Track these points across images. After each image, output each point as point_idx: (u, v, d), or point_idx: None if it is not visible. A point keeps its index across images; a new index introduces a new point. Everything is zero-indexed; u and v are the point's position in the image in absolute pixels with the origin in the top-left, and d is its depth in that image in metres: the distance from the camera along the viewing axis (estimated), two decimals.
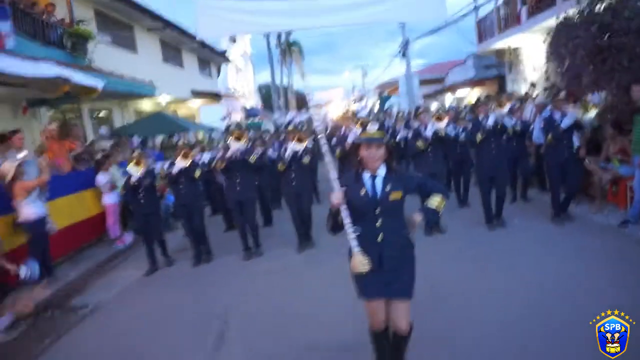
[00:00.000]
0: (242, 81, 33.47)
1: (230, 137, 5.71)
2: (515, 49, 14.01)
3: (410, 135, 6.56)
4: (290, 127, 6.56)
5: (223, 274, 5.39)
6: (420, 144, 5.96)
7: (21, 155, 5.04)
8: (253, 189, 6.05)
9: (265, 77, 56.65)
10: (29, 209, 5.03)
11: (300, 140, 5.73)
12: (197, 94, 16.96)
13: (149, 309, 4.64)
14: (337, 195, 2.53)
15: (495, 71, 16.09)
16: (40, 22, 8.02)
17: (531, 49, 12.79)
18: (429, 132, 5.93)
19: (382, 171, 2.58)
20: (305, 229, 6.04)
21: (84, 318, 4.64)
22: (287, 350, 3.41)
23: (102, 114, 12.45)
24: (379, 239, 2.53)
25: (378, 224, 2.53)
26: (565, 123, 5.36)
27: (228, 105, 20.84)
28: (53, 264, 5.57)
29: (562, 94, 5.68)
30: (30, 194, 5.05)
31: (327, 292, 4.33)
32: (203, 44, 17.27)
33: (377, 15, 10.97)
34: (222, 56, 20.18)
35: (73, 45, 8.57)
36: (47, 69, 5.41)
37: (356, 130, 5.67)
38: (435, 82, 24.50)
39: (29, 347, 4.07)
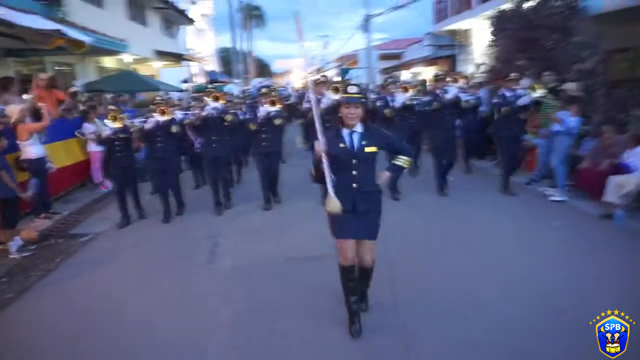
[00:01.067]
0: (202, 43, 33.06)
1: (209, 97, 6.10)
2: (466, 31, 15.40)
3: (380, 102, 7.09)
4: (263, 90, 6.83)
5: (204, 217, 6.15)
6: (387, 112, 6.49)
7: (26, 97, 5.64)
8: (228, 147, 6.38)
9: (225, 41, 55.56)
10: (31, 149, 5.70)
11: (273, 103, 6.10)
12: (160, 54, 17.11)
13: (144, 237, 5.52)
14: (320, 146, 2.89)
15: (449, 51, 17.47)
16: None
17: (480, 32, 14.21)
18: (397, 103, 6.45)
19: (359, 128, 2.97)
20: (273, 187, 6.49)
21: (86, 244, 5.47)
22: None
23: (64, 69, 12.58)
24: (354, 186, 2.95)
25: (354, 173, 2.94)
26: (522, 101, 5.94)
27: (190, 67, 20.99)
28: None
29: (512, 75, 6.34)
30: (32, 136, 5.72)
31: (298, 231, 5.24)
32: (167, 3, 17.32)
33: None
34: (185, 17, 20.14)
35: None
36: (47, 24, 5.94)
37: (329, 94, 5.94)
38: (394, 57, 25.73)
39: (43, 264, 4.87)
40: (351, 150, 2.93)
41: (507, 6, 8.04)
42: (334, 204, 2.87)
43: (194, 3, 29.36)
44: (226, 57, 42.59)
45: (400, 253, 4.35)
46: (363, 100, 2.96)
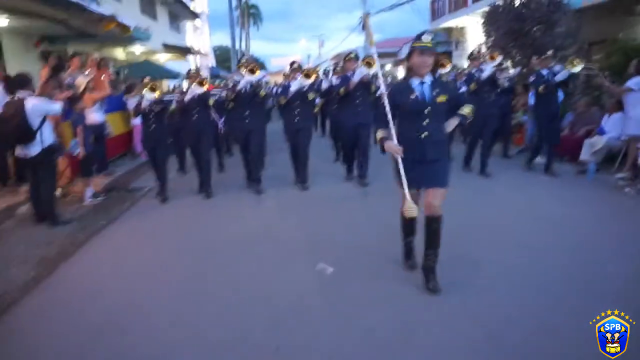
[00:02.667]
0: (199, 40, 34.05)
1: (244, 69, 5.90)
2: (462, 28, 16.76)
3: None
4: (295, 65, 6.80)
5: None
6: (472, 85, 6.35)
7: (88, 73, 6.72)
8: (261, 120, 6.43)
9: (218, 39, 56.70)
10: (95, 115, 6.77)
11: (307, 75, 5.95)
12: (167, 47, 18.16)
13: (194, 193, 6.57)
14: (393, 146, 3.00)
15: (445, 47, 18.79)
16: None
17: (474, 29, 15.55)
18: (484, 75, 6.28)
19: (428, 78, 3.03)
20: (302, 166, 6.38)
21: (146, 194, 6.56)
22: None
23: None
24: (424, 135, 2.99)
25: (425, 122, 2.99)
26: (560, 77, 6.05)
27: (195, 61, 22.05)
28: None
29: (550, 52, 6.56)
30: (95, 104, 6.79)
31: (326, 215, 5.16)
32: None
33: None
34: (190, 12, 21.23)
35: None
36: (103, 9, 7.03)
37: (363, 69, 5.77)
38: (390, 55, 27.07)
39: (114, 209, 5.91)
40: (423, 100, 2.99)
41: (499, 2, 9.33)
42: (411, 208, 3.00)
43: (192, 0, 30.45)
44: (221, 55, 43.65)
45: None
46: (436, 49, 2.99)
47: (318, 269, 3.63)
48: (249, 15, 34.69)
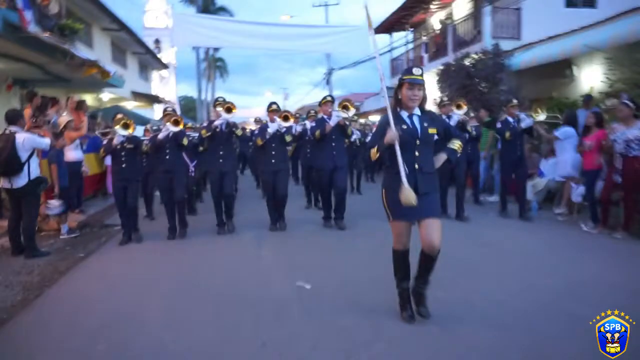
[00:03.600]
0: (165, 90, 34.74)
1: (221, 108, 5.95)
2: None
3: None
4: (274, 106, 6.45)
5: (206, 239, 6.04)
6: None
7: (67, 113, 7.09)
8: (235, 162, 6.59)
9: (183, 89, 57.68)
10: (73, 153, 7.07)
11: (286, 118, 6.08)
12: (136, 95, 18.65)
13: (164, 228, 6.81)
14: (393, 133, 2.93)
15: None
16: (41, 13, 9.84)
17: (430, 85, 17.06)
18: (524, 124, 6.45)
19: (417, 111, 3.09)
20: (279, 209, 6.34)
21: (120, 231, 6.77)
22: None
23: None
24: (416, 167, 3.01)
25: (416, 154, 3.02)
26: (525, 124, 6.41)
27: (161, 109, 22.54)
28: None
29: (514, 102, 6.89)
30: (73, 142, 7.10)
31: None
32: (147, 48, 19.16)
33: (317, 45, 14.76)
34: (160, 62, 21.99)
35: (63, 34, 10.41)
36: (86, 54, 7.52)
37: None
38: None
39: (90, 243, 6.11)
40: (414, 131, 3.02)
41: (451, 62, 10.59)
42: (409, 195, 2.87)
43: (159, 51, 31.43)
44: (186, 104, 44.33)
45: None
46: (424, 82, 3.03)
47: (298, 284, 4.04)
48: (215, 67, 35.89)
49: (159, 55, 29.83)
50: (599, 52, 8.36)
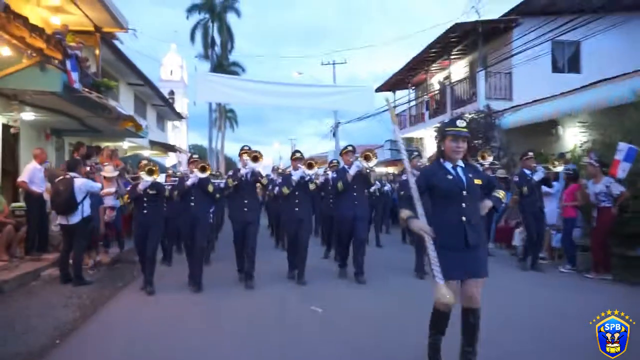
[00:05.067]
0: (177, 139, 36.44)
1: (247, 157, 5.98)
2: (421, 139, 19.58)
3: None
4: (297, 155, 6.45)
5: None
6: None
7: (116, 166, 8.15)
8: (258, 212, 6.47)
9: (193, 138, 60.16)
10: (111, 200, 8.05)
11: (310, 166, 6.06)
12: (153, 143, 20.01)
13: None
14: (423, 225, 2.91)
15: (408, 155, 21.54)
16: (82, 72, 11.24)
17: (430, 140, 18.31)
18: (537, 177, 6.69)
19: (460, 163, 3.06)
20: (300, 260, 6.13)
21: None
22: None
23: None
24: (464, 219, 2.94)
25: (463, 205, 2.96)
26: (537, 176, 6.63)
27: (177, 157, 23.91)
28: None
29: (530, 154, 6.91)
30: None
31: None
32: (166, 101, 20.75)
33: (326, 103, 16.27)
34: (177, 114, 23.59)
35: (99, 90, 11.79)
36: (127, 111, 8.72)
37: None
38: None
39: (127, 273, 6.96)
40: (460, 182, 3.00)
41: (447, 120, 11.78)
42: (445, 293, 2.80)
43: (173, 102, 33.40)
44: (197, 153, 46.01)
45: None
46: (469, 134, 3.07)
47: (312, 308, 4.86)
48: (226, 118, 37.75)
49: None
50: (585, 114, 9.50)
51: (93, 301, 5.40)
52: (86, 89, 9.38)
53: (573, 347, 3.72)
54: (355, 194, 6.20)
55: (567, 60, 14.32)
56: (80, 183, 6.07)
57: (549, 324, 4.37)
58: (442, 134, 3.12)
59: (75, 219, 6.06)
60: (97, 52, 12.29)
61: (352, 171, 6.06)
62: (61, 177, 6.17)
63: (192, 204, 5.99)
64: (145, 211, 5.81)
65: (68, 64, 8.39)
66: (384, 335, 4.13)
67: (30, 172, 6.95)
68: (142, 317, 4.83)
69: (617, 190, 5.94)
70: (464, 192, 2.99)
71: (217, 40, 30.48)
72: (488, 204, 3.15)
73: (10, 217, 7.14)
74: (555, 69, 14.22)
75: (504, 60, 13.17)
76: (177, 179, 7.07)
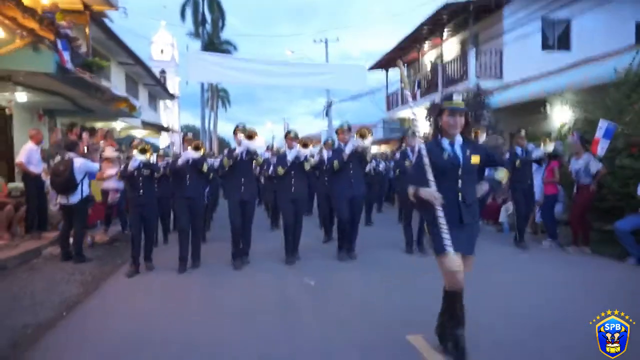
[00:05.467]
0: (169, 119, 36.27)
1: (242, 135, 5.87)
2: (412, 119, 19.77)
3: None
4: (291, 134, 6.39)
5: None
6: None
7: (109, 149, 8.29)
8: (255, 191, 6.39)
9: (185, 118, 59.93)
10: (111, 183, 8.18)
11: (305, 145, 6.03)
12: (145, 124, 20.01)
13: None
14: (434, 196, 2.83)
15: (398, 133, 21.73)
16: (73, 52, 11.22)
17: (422, 119, 18.48)
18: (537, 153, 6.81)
19: (459, 139, 2.97)
20: (296, 239, 6.25)
21: None
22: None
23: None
24: (460, 197, 2.92)
25: (459, 184, 2.93)
26: (536, 154, 6.72)
27: (170, 137, 23.92)
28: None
29: (522, 132, 6.98)
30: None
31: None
32: (157, 80, 20.66)
33: (319, 82, 16.40)
34: (169, 94, 23.49)
35: (90, 70, 11.78)
36: (120, 91, 8.79)
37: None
38: None
39: (126, 251, 7.14)
40: (456, 160, 2.94)
41: (437, 100, 11.98)
42: (455, 260, 2.82)
43: (164, 81, 33.15)
44: (195, 134, 45.74)
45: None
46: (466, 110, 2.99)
47: (305, 280, 5.14)
48: (218, 97, 37.54)
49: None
50: (570, 92, 9.72)
51: (95, 277, 5.64)
52: (78, 69, 9.42)
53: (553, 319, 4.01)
54: (351, 172, 6.17)
55: (557, 38, 14.45)
56: (79, 163, 6.23)
57: (524, 298, 4.68)
58: (438, 109, 3.05)
59: (75, 198, 6.25)
60: (87, 31, 12.19)
61: (348, 149, 6.03)
62: (60, 158, 6.32)
63: (187, 183, 5.91)
64: (141, 191, 5.77)
65: (59, 44, 8.40)
66: (372, 306, 4.39)
67: (28, 153, 7.07)
68: (142, 292, 5.08)
69: (595, 167, 6.19)
70: (460, 170, 2.96)
71: (208, 17, 30.07)
72: (484, 187, 3.09)
73: (7, 198, 7.31)
74: (546, 46, 14.36)
75: (494, 39, 13.28)
76: (169, 159, 7.02)
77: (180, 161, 5.85)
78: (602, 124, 6.19)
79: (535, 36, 13.64)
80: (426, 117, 12.43)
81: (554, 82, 10.08)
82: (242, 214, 6.01)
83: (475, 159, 2.98)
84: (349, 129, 6.46)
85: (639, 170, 6.05)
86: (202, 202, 6.28)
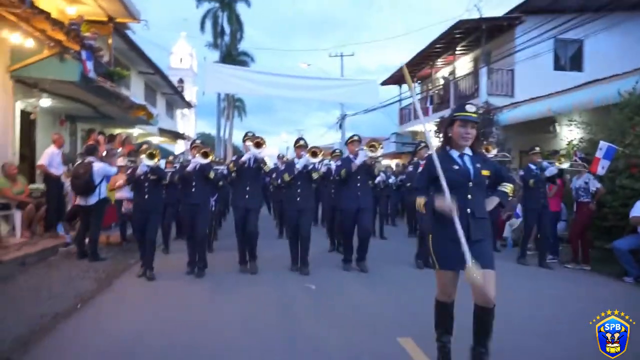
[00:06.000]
0: (185, 127, 37.03)
1: (250, 143, 5.90)
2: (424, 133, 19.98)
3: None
4: (300, 142, 6.45)
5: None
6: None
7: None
8: (260, 199, 6.39)
9: (201, 127, 60.95)
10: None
11: (314, 154, 5.92)
12: (162, 131, 20.58)
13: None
14: (447, 204, 2.67)
15: (411, 147, 21.92)
16: (96, 62, 11.77)
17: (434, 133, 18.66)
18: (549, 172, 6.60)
19: (468, 151, 2.88)
20: (303, 252, 6.11)
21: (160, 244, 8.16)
22: None
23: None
24: (469, 211, 2.78)
25: (469, 197, 2.80)
26: (550, 171, 6.51)
27: (186, 145, 24.49)
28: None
29: (537, 149, 6.90)
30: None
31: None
32: (175, 89, 21.28)
33: (332, 96, 16.79)
34: (186, 103, 24.12)
35: (112, 79, 12.31)
36: (139, 99, 9.23)
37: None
38: None
39: (132, 255, 7.44)
40: (466, 172, 2.84)
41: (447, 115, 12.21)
42: (476, 273, 2.58)
43: (182, 90, 33.93)
44: (200, 139, 46.54)
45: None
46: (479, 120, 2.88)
47: (306, 285, 5.37)
48: (234, 107, 38.21)
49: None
50: (576, 112, 9.88)
51: (108, 275, 5.96)
52: (100, 78, 9.91)
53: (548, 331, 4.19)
54: (358, 184, 6.14)
55: (569, 58, 14.60)
56: (98, 167, 6.61)
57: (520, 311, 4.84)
58: (450, 119, 2.96)
59: (93, 200, 6.61)
60: (109, 41, 12.79)
61: (359, 160, 6.00)
62: (80, 161, 6.71)
63: (193, 190, 5.92)
64: (146, 196, 5.75)
65: (83, 53, 8.89)
66: (380, 323, 4.44)
67: (49, 156, 7.49)
68: (151, 290, 5.37)
69: (594, 186, 6.35)
70: (470, 183, 2.84)
71: (227, 29, 30.84)
72: (494, 200, 2.99)
73: (28, 198, 7.71)
74: (558, 66, 14.52)
75: (506, 57, 13.49)
76: (177, 165, 7.05)
77: (189, 167, 5.90)
78: (602, 145, 6.35)
79: (547, 56, 13.80)
80: (436, 132, 12.62)
81: (563, 102, 10.25)
82: (245, 221, 6.03)
83: (485, 172, 2.91)
84: (359, 140, 6.46)
85: (638, 190, 6.17)
86: (207, 210, 6.21)
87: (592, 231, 6.78)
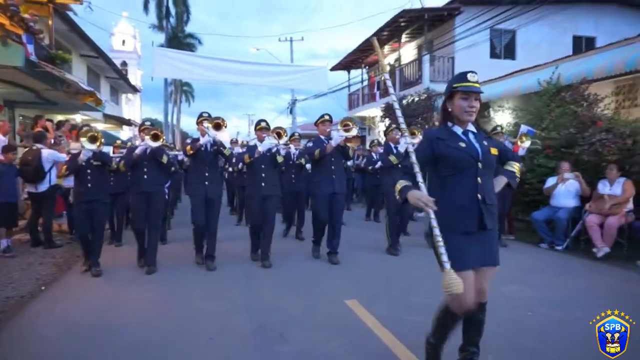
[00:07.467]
0: (130, 112, 35.89)
1: (208, 124, 5.36)
2: (373, 117, 20.74)
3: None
4: (262, 124, 5.84)
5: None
6: (392, 158, 6.19)
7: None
8: (221, 187, 5.97)
9: (147, 112, 58.98)
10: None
11: (279, 135, 5.58)
12: (107, 117, 20.04)
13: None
14: (425, 198, 2.31)
15: (360, 132, 22.70)
16: (37, 44, 11.41)
17: (379, 120, 19.48)
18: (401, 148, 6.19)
19: (472, 127, 2.51)
20: (266, 240, 5.72)
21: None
22: None
23: (28, 121, 15.16)
24: (479, 197, 2.39)
25: (479, 180, 2.41)
26: (520, 152, 6.43)
27: (132, 131, 23.94)
28: None
29: (499, 128, 7.06)
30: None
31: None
32: (120, 73, 20.71)
33: (282, 82, 17.29)
34: (132, 87, 23.49)
35: (54, 63, 11.97)
36: (85, 85, 9.16)
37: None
38: (313, 137, 30.94)
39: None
40: (474, 152, 2.44)
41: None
42: (455, 283, 2.22)
43: (126, 74, 32.81)
44: (153, 123, 45.22)
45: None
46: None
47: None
48: (182, 92, 37.42)
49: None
50: (506, 99, 10.87)
51: (66, 260, 6.13)
52: (42, 62, 9.69)
53: None
54: (333, 167, 5.75)
55: (503, 47, 15.73)
56: (47, 154, 6.66)
57: None
58: (449, 92, 2.51)
59: (43, 187, 6.67)
60: (50, 23, 12.38)
61: (335, 141, 5.53)
62: (29, 148, 6.73)
63: (145, 176, 5.37)
64: (88, 184, 5.17)
65: (24, 37, 8.71)
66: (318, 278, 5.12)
67: None
68: (113, 273, 5.60)
69: None
70: (479, 164, 2.43)
71: (172, 11, 30.04)
72: (502, 180, 2.64)
73: None
74: (494, 55, 15.61)
75: (447, 46, 14.35)
76: (125, 149, 6.22)
77: (137, 151, 5.30)
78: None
79: (484, 45, 14.81)
80: (381, 117, 13.32)
81: (495, 89, 11.20)
82: (206, 212, 5.53)
83: (494, 150, 2.53)
84: (330, 120, 5.99)
85: (553, 168, 7.08)
86: (162, 198, 5.61)
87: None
